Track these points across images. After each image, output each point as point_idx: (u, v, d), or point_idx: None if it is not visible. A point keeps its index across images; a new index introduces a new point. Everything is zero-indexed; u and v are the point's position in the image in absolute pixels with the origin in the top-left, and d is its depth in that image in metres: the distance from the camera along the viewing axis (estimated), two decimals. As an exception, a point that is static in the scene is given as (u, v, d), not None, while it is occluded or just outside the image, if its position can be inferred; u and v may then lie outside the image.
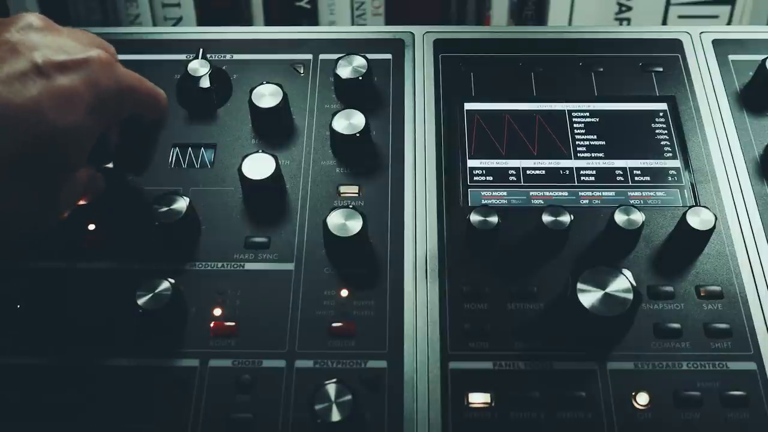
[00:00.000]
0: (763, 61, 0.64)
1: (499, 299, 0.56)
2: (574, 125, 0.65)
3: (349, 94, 0.65)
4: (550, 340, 0.54)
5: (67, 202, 0.52)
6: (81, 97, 0.47)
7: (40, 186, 0.47)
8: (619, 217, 0.57)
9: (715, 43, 0.69)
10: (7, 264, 0.57)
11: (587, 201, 0.61)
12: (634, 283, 0.52)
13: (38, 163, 0.46)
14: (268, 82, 0.63)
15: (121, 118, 0.53)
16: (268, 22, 0.99)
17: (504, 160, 0.63)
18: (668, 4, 0.97)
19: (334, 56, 0.66)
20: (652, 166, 0.63)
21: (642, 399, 0.52)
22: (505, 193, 0.62)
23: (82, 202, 0.57)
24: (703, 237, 0.57)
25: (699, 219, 0.56)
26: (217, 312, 0.56)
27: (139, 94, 0.53)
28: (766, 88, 0.65)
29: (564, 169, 0.63)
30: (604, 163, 0.63)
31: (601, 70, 0.68)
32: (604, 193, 0.62)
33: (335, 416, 0.48)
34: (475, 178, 0.62)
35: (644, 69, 0.68)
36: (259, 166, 0.58)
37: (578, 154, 0.64)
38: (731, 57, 0.68)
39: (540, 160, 0.63)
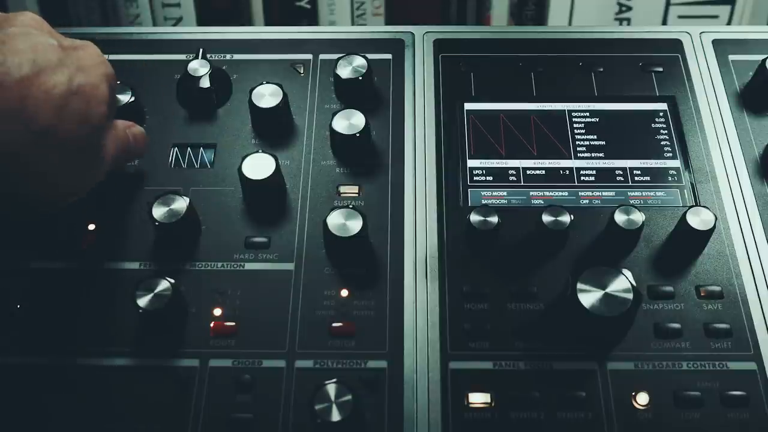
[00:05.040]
0: (763, 61, 0.64)
1: (499, 299, 0.56)
2: (574, 125, 0.65)
3: (349, 94, 0.65)
4: (550, 340, 0.54)
5: (109, 151, 0.55)
6: (91, 68, 0.52)
7: (79, 136, 0.50)
8: (619, 217, 0.57)
9: (715, 43, 0.69)
10: (7, 264, 0.57)
11: (587, 201, 0.61)
12: (634, 283, 0.52)
13: (75, 111, 0.49)
14: (268, 82, 0.63)
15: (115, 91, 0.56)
16: (268, 22, 0.99)
17: (504, 160, 0.63)
18: (668, 4, 0.97)
19: (334, 56, 0.66)
20: (652, 166, 0.63)
21: (642, 399, 0.52)
22: (505, 193, 0.62)
23: (129, 159, 0.60)
24: (703, 237, 0.57)
25: (699, 219, 0.56)
26: (217, 312, 0.56)
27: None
28: (766, 88, 0.65)
29: (564, 169, 0.63)
30: (604, 163, 0.63)
31: (601, 70, 0.68)
32: (604, 193, 0.62)
33: (335, 416, 0.48)
34: (475, 178, 0.62)
35: (644, 69, 0.68)
36: (259, 166, 0.58)
37: (578, 154, 0.64)
38: (731, 57, 0.68)
39: (540, 160, 0.63)
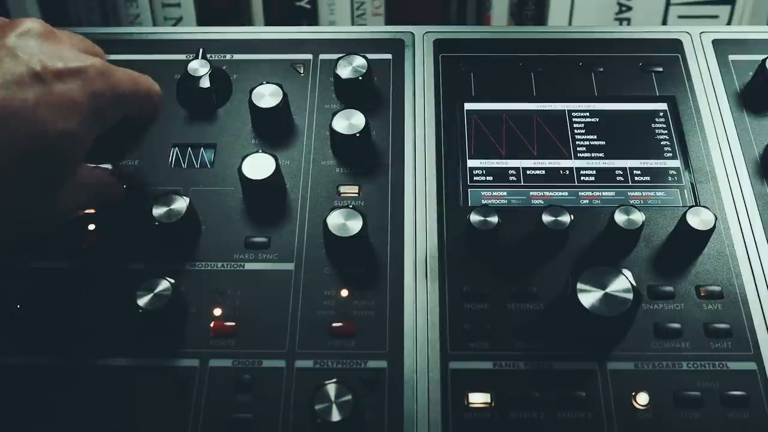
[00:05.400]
0: (763, 61, 0.64)
1: (499, 299, 0.56)
2: (574, 125, 0.65)
3: (349, 94, 0.65)
4: (550, 340, 0.54)
5: (67, 205, 0.52)
6: (77, 104, 0.47)
7: (38, 189, 0.48)
8: (619, 217, 0.57)
9: (715, 43, 0.69)
10: (7, 264, 0.57)
11: (587, 201, 0.61)
12: (634, 283, 0.52)
13: (34, 167, 0.46)
14: (268, 82, 0.63)
15: (115, 122, 0.53)
16: (268, 22, 0.99)
17: (504, 160, 0.63)
18: (668, 4, 0.97)
19: (334, 56, 0.66)
20: (652, 166, 0.63)
21: (642, 399, 0.52)
22: (505, 193, 0.62)
23: (90, 210, 0.58)
24: (703, 237, 0.57)
25: (699, 219, 0.56)
26: (217, 312, 0.56)
27: (135, 98, 0.53)
28: (766, 88, 0.65)
29: (564, 169, 0.63)
30: (604, 163, 0.63)
31: (601, 70, 0.68)
32: (604, 193, 0.62)
33: (335, 416, 0.48)
34: (475, 178, 0.62)
35: (644, 69, 0.68)
36: (259, 166, 0.58)
37: (578, 154, 0.64)
38: (731, 57, 0.68)
39: (540, 160, 0.63)
